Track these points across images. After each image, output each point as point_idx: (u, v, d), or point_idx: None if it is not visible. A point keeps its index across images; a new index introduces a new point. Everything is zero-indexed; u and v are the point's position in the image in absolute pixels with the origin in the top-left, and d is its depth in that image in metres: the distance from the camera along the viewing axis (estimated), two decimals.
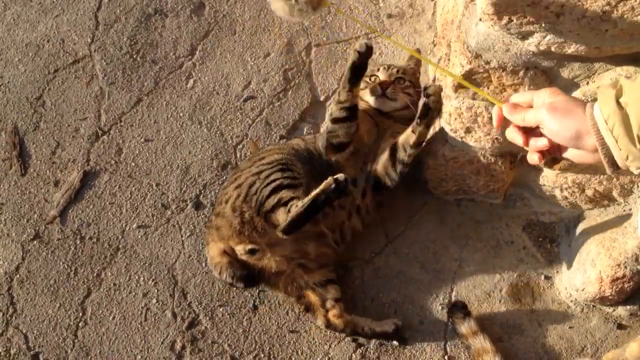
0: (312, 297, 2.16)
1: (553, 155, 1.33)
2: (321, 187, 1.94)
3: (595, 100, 1.23)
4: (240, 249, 2.10)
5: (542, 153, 1.33)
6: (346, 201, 2.19)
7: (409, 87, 2.29)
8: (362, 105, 2.27)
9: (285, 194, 2.03)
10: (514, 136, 1.35)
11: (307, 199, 1.95)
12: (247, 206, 2.08)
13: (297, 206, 1.96)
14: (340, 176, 1.93)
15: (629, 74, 1.68)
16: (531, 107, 1.34)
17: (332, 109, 2.18)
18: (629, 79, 1.22)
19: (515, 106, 1.34)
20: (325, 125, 2.23)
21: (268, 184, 2.06)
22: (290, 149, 2.25)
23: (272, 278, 2.16)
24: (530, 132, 1.33)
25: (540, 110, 1.27)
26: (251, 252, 2.09)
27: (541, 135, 1.31)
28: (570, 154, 1.30)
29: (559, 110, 1.25)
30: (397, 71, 2.32)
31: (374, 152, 2.25)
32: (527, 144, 1.33)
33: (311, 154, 2.23)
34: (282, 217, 2.00)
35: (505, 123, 1.37)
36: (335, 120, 2.16)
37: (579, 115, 1.23)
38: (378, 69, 2.34)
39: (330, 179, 1.93)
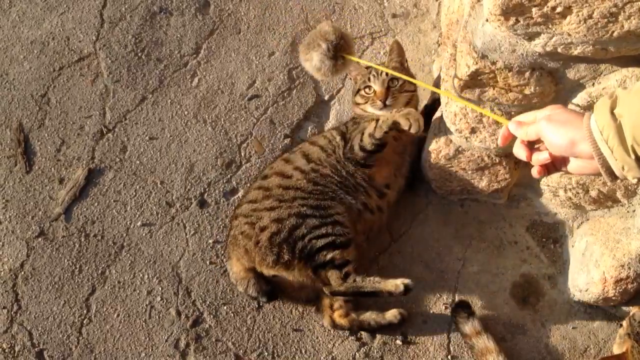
0: (325, 299, 2.18)
1: (558, 169, 1.37)
2: (389, 287, 2.06)
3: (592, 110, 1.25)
4: (269, 273, 2.13)
5: (546, 167, 1.37)
6: (381, 204, 2.28)
7: (403, 83, 2.29)
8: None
9: (338, 255, 2.10)
10: (519, 151, 1.39)
11: (369, 286, 2.08)
12: (287, 248, 2.09)
13: (355, 281, 2.08)
14: (410, 284, 2.06)
15: (624, 85, 1.69)
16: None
17: (365, 141, 2.20)
18: (625, 90, 1.23)
19: (520, 123, 1.38)
20: (354, 147, 2.22)
21: (318, 237, 2.09)
22: (319, 171, 2.23)
23: (292, 290, 2.19)
24: (534, 148, 1.38)
25: (540, 122, 1.31)
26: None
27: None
28: (572, 166, 1.33)
29: (556, 121, 1.29)
30: (387, 74, 2.30)
31: (402, 152, 2.34)
32: (530, 158, 1.38)
33: (335, 168, 2.24)
34: (335, 281, 2.10)
35: (510, 141, 1.43)
36: (366, 151, 2.21)
37: (575, 125, 1.26)
38: (369, 78, 2.32)
39: (400, 283, 2.06)
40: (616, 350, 1.86)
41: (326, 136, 2.34)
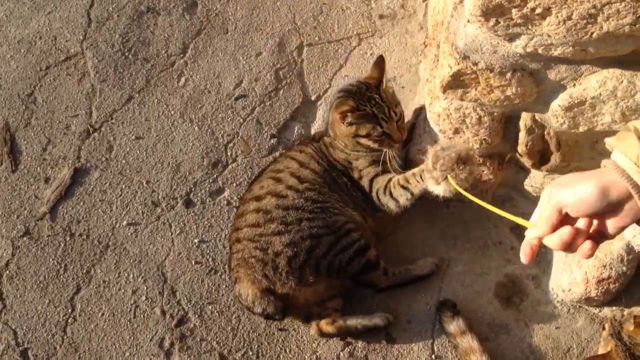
0: (315, 309, 2.18)
1: (604, 235, 1.16)
2: (423, 270, 2.27)
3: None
4: (287, 293, 2.11)
5: (592, 238, 1.16)
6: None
7: (397, 106, 2.23)
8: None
9: (371, 255, 2.16)
10: (552, 240, 1.17)
11: (407, 275, 2.25)
12: (310, 270, 2.08)
13: (394, 274, 2.23)
14: (437, 262, 2.28)
15: (605, 87, 1.70)
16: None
17: (396, 193, 2.17)
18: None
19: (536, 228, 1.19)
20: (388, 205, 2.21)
21: (342, 251, 2.11)
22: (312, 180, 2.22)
23: (298, 305, 2.16)
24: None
25: (551, 195, 1.15)
26: None
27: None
28: (617, 222, 1.14)
29: (568, 182, 1.14)
30: (397, 115, 2.21)
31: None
32: (571, 240, 1.15)
33: (328, 186, 2.23)
34: (379, 280, 2.20)
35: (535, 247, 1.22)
36: (399, 205, 2.20)
37: (592, 174, 1.11)
38: (380, 125, 2.17)
39: (430, 263, 2.27)
40: (601, 351, 1.87)
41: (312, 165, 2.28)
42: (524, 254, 1.23)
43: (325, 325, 2.15)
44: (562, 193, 1.13)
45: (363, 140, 2.19)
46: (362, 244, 2.14)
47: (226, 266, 2.27)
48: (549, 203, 1.16)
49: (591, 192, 1.09)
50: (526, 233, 1.22)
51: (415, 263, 2.27)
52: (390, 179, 2.18)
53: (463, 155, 1.95)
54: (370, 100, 2.17)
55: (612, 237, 1.16)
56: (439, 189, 2.01)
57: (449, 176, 1.93)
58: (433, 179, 2.00)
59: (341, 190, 2.23)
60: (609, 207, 1.11)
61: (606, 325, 2.06)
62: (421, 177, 2.07)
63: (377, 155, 2.21)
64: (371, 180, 2.21)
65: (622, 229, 1.16)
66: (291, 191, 2.15)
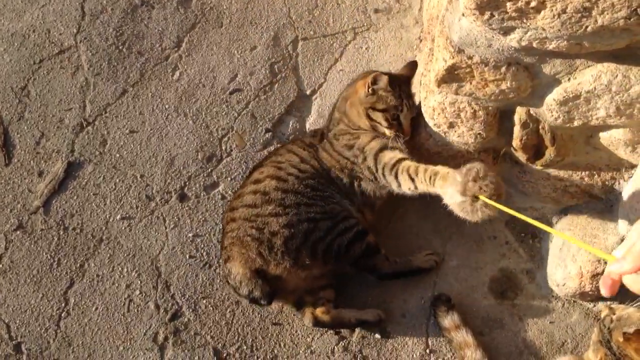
0: (308, 298, 2.18)
1: None
2: (421, 263, 2.28)
3: None
4: (278, 274, 2.09)
5: None
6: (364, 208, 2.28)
7: (417, 108, 2.24)
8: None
9: (371, 240, 2.16)
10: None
11: (407, 264, 2.26)
12: (307, 252, 2.07)
13: (396, 262, 2.24)
14: (437, 258, 2.30)
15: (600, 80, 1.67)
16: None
17: (401, 178, 2.08)
18: None
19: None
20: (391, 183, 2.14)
21: (340, 234, 2.11)
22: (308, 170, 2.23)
23: (286, 292, 2.16)
24: None
25: None
26: None
27: None
28: None
29: None
30: (412, 103, 2.24)
31: None
32: None
33: (328, 178, 2.24)
34: (382, 265, 2.20)
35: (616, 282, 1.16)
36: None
37: None
38: (402, 109, 2.20)
39: (429, 259, 2.29)
40: (592, 356, 1.85)
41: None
42: (605, 286, 1.16)
43: (321, 314, 2.16)
44: None
45: (375, 115, 2.21)
46: (360, 229, 2.14)
47: (220, 260, 2.26)
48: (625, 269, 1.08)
49: None
50: (610, 267, 1.14)
51: (415, 255, 2.28)
52: (399, 160, 2.09)
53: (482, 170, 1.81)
54: (400, 86, 2.22)
55: None
56: (466, 209, 1.82)
57: (480, 196, 1.77)
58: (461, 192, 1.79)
59: (340, 190, 2.22)
60: None
61: (595, 329, 2.04)
62: (431, 180, 1.95)
63: (378, 135, 2.22)
64: (376, 155, 2.15)
65: None
66: (292, 177, 2.17)
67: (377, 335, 2.18)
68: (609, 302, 2.16)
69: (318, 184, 2.18)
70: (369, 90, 2.20)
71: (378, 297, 2.24)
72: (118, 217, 2.37)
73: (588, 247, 1.24)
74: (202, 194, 2.41)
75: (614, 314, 1.75)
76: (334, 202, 2.17)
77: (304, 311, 2.19)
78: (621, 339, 1.66)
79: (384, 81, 2.18)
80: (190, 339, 2.17)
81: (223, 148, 2.50)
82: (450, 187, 1.82)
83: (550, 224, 2.31)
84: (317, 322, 2.17)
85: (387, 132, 2.20)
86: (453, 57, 1.80)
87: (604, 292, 1.15)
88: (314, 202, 2.14)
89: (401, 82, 2.26)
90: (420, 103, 2.21)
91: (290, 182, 2.15)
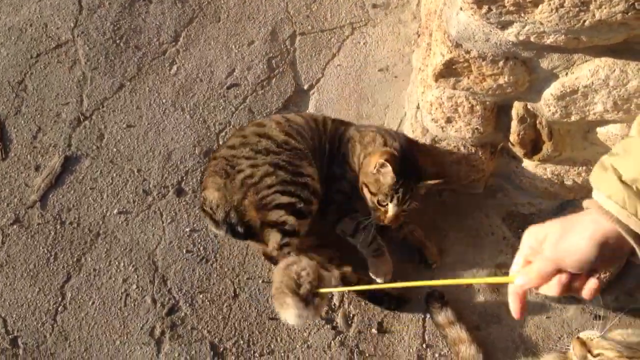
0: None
1: (597, 271, 1.14)
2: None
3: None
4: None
5: (590, 276, 1.13)
6: None
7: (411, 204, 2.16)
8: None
9: (293, 221, 2.09)
10: (550, 288, 1.15)
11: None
12: (253, 192, 2.11)
13: (289, 254, 2.05)
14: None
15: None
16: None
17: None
18: (616, 156, 1.09)
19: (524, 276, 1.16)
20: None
21: (283, 193, 2.10)
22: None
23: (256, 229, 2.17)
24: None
25: (548, 255, 1.11)
26: None
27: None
28: (611, 262, 1.14)
29: (559, 239, 1.09)
30: (410, 200, 2.13)
31: None
32: (570, 282, 1.13)
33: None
34: (272, 244, 2.11)
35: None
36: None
37: (582, 226, 1.07)
38: (391, 198, 2.10)
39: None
40: None
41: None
42: (516, 311, 1.19)
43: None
44: (559, 255, 1.09)
45: (366, 191, 2.15)
46: (299, 206, 2.10)
47: (217, 255, 2.27)
48: (546, 260, 1.12)
49: (592, 254, 1.06)
50: (513, 286, 1.17)
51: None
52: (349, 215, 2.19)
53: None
54: (406, 179, 2.09)
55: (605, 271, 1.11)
56: (309, 311, 1.59)
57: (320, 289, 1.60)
58: (296, 298, 1.58)
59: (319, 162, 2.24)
60: (611, 254, 1.08)
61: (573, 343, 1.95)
62: None
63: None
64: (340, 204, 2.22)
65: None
66: (276, 130, 2.22)
67: (374, 330, 2.18)
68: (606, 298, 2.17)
69: (299, 143, 2.20)
70: (376, 169, 2.10)
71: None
72: (115, 211, 2.37)
73: (486, 280, 1.28)
74: (199, 189, 2.41)
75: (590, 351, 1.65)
76: (307, 164, 2.17)
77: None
78: (582, 354, 1.57)
79: (392, 171, 2.06)
80: (187, 333, 2.17)
81: (220, 143, 2.50)
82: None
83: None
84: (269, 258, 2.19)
85: (371, 208, 2.17)
86: (451, 52, 1.80)
87: (516, 315, 1.19)
88: (283, 150, 2.16)
89: (413, 179, 2.11)
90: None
91: (270, 129, 2.22)
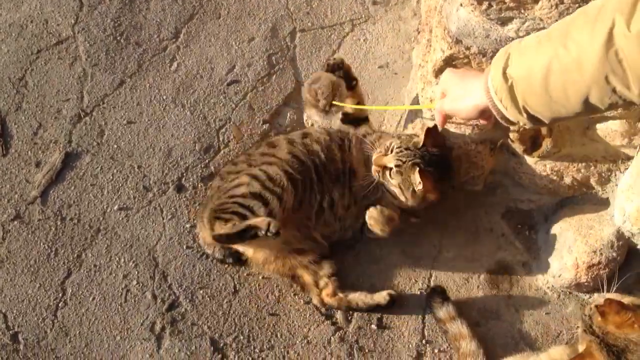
0: (306, 276, 2.19)
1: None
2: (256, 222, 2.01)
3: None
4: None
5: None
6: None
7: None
8: None
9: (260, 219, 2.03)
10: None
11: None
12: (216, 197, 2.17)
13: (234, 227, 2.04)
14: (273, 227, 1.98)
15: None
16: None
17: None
18: (517, 46, 1.35)
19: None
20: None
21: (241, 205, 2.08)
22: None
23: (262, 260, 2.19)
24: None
25: (444, 107, 1.65)
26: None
27: None
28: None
29: (457, 99, 1.57)
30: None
31: None
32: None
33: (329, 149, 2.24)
34: (218, 227, 2.08)
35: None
36: None
37: (472, 97, 1.48)
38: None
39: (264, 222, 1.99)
40: (580, 348, 1.87)
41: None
42: (439, 122, 1.76)
43: (327, 296, 2.17)
44: (453, 109, 1.59)
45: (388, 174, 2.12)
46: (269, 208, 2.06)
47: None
48: (445, 110, 1.64)
49: (475, 115, 1.53)
50: (437, 108, 1.69)
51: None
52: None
53: (334, 81, 2.17)
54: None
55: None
56: (329, 117, 2.22)
57: (333, 101, 2.15)
58: (318, 110, 2.19)
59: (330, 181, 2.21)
60: (482, 118, 1.55)
61: (579, 323, 2.05)
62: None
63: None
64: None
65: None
66: (278, 156, 2.19)
67: (374, 326, 2.19)
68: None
69: (309, 153, 2.19)
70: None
71: (374, 288, 2.24)
72: (115, 207, 2.37)
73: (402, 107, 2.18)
74: (199, 185, 2.41)
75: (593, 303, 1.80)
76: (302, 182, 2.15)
77: (310, 292, 2.20)
78: (600, 319, 1.69)
79: (427, 180, 2.06)
80: (187, 329, 2.18)
81: (220, 139, 2.51)
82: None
83: (546, 216, 2.32)
84: (323, 304, 2.18)
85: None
86: (451, 48, 1.80)
87: (440, 126, 1.82)
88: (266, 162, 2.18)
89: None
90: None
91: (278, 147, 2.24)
